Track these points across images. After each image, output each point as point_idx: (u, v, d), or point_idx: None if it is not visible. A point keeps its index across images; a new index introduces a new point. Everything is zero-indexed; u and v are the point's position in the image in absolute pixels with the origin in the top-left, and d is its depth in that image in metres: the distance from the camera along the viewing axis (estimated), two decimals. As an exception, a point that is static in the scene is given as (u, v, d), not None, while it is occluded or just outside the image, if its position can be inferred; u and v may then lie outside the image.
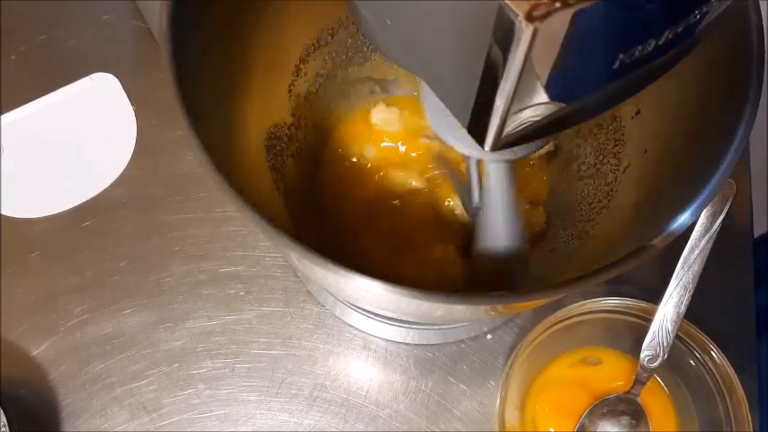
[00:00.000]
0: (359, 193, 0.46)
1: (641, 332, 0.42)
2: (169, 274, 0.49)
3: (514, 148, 0.32)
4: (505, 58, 0.20)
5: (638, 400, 0.43)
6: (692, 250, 0.40)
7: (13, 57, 0.55)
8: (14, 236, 0.50)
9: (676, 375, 0.44)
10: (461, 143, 0.33)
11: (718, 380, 0.42)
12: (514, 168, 0.36)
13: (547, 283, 0.33)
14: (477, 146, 0.31)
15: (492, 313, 0.39)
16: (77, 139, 0.53)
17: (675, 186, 0.32)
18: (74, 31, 0.56)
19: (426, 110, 0.34)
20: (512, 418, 0.42)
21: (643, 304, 0.43)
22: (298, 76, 0.44)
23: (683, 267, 0.40)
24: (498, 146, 0.24)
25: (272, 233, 0.27)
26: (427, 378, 0.47)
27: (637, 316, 0.43)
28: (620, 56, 0.22)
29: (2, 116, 0.53)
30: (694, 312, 0.41)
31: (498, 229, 0.37)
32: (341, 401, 0.46)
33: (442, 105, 0.32)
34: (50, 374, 0.46)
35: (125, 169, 0.52)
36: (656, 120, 0.36)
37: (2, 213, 0.50)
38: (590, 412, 0.43)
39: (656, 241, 0.28)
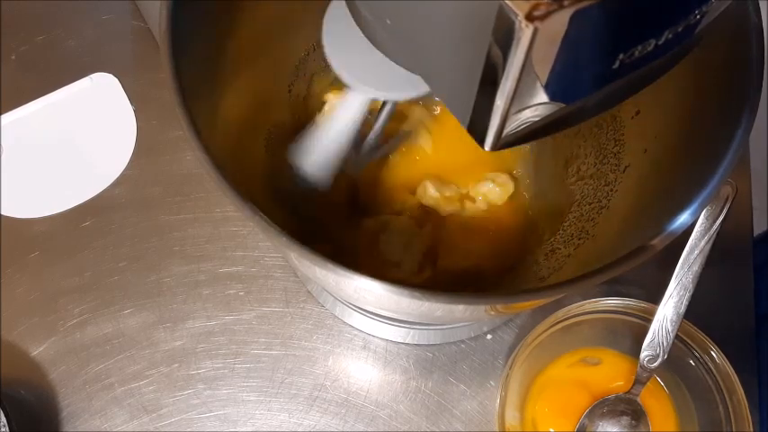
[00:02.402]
0: (359, 193, 0.46)
1: (641, 332, 0.42)
2: (169, 275, 0.49)
3: (387, 89, 0.31)
4: (505, 59, 0.20)
5: (638, 400, 0.43)
6: (692, 250, 0.40)
7: (13, 57, 0.55)
8: (14, 236, 0.50)
9: (676, 375, 0.44)
10: (338, 64, 0.32)
11: (718, 380, 0.42)
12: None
13: (546, 283, 0.33)
14: (350, 70, 0.31)
15: (492, 313, 0.39)
16: (77, 140, 0.53)
17: (675, 186, 0.32)
18: (74, 32, 0.56)
19: (324, 33, 0.32)
20: (512, 418, 0.42)
21: (643, 304, 0.43)
22: (297, 75, 0.44)
23: (682, 267, 0.40)
24: (498, 146, 0.24)
25: (272, 233, 0.27)
26: (427, 378, 0.47)
27: (637, 316, 0.43)
28: (620, 56, 0.22)
29: (2, 116, 0.53)
30: (694, 312, 0.41)
31: (317, 150, 0.36)
32: (341, 402, 0.46)
33: (342, 34, 0.31)
34: (50, 375, 0.46)
35: (125, 169, 0.52)
36: (656, 120, 0.36)
37: (2, 213, 0.50)
38: (590, 412, 0.43)
39: (655, 241, 0.28)
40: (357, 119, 0.34)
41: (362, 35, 0.30)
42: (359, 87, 0.32)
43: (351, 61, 0.31)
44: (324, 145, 0.36)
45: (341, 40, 0.32)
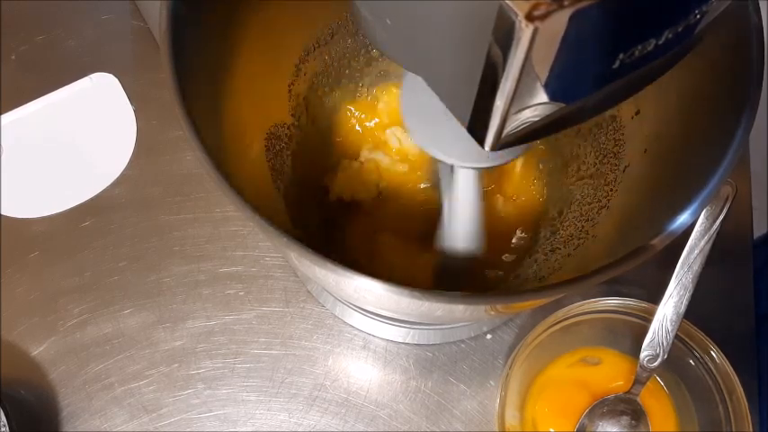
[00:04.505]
0: (359, 193, 0.46)
1: (641, 332, 0.42)
2: (169, 275, 0.49)
3: (488, 157, 0.32)
4: (505, 59, 0.20)
5: (638, 399, 0.43)
6: (692, 250, 0.40)
7: (13, 57, 0.55)
8: (14, 236, 0.50)
9: (676, 375, 0.44)
10: (435, 148, 0.33)
11: (718, 379, 0.42)
12: (483, 176, 0.36)
13: (546, 283, 0.33)
14: (449, 151, 0.32)
15: (492, 313, 0.39)
16: (77, 139, 0.53)
17: (675, 186, 0.32)
18: (73, 32, 0.56)
19: (403, 111, 0.33)
20: (512, 418, 0.42)
21: (643, 304, 0.43)
22: (297, 75, 0.43)
23: (682, 267, 0.40)
24: (498, 146, 0.24)
25: (272, 232, 0.27)
26: (427, 378, 0.47)
27: (637, 316, 0.43)
28: (621, 55, 0.22)
29: (1, 116, 0.53)
30: (694, 312, 0.41)
31: (457, 234, 0.38)
32: (341, 401, 0.46)
33: (419, 106, 0.32)
34: (50, 375, 0.46)
35: (124, 169, 0.52)
36: (656, 120, 0.36)
37: (2, 213, 0.50)
38: (590, 412, 0.43)
39: (655, 241, 0.28)
40: (479, 186, 0.36)
41: (441, 107, 0.28)
42: (468, 163, 0.33)
43: (444, 141, 0.32)
44: (467, 227, 0.37)
45: (425, 126, 0.33)
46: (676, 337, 0.41)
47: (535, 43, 0.19)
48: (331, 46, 0.44)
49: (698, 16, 0.23)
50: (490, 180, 0.46)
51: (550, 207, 0.44)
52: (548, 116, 0.23)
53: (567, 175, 0.43)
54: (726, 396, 0.41)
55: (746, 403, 0.40)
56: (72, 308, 0.48)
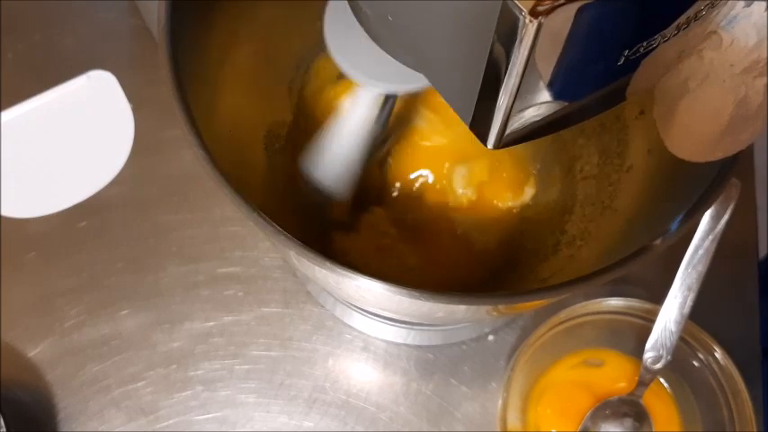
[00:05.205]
0: (360, 192, 0.45)
1: (645, 333, 0.41)
2: (166, 275, 0.49)
3: (399, 82, 0.30)
4: (509, 56, 0.20)
5: (642, 401, 0.42)
6: (696, 250, 0.39)
7: (10, 55, 0.55)
8: (10, 236, 0.49)
9: (680, 377, 0.44)
10: (349, 65, 0.31)
11: (722, 381, 0.41)
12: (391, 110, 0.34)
13: (549, 284, 0.32)
14: (366, 72, 0.30)
15: (494, 314, 0.39)
16: (74, 138, 0.52)
17: (679, 186, 0.32)
18: (71, 29, 0.56)
19: (329, 45, 0.31)
20: (514, 420, 0.42)
21: (647, 305, 0.42)
22: (297, 74, 0.43)
23: (687, 267, 0.40)
24: (501, 144, 0.24)
25: (271, 231, 0.27)
26: (428, 380, 0.46)
27: (640, 317, 0.43)
28: (626, 52, 0.21)
29: (-1, 115, 0.52)
30: (698, 313, 0.40)
31: (329, 157, 0.34)
32: (341, 403, 0.46)
33: (342, 27, 0.30)
34: (47, 376, 0.46)
35: (122, 169, 0.51)
36: (660, 119, 0.35)
37: (-2, 213, 0.50)
38: (593, 414, 0.42)
39: (658, 242, 0.28)
40: (370, 118, 0.33)
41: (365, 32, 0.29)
42: (370, 83, 0.31)
43: (358, 58, 0.31)
44: (336, 151, 0.34)
45: (344, 38, 0.31)
46: (680, 338, 0.41)
47: (539, 39, 0.19)
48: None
49: (704, 14, 0.22)
50: (491, 180, 0.46)
51: (553, 207, 0.44)
52: (551, 114, 0.23)
53: (570, 176, 0.43)
54: (730, 398, 0.41)
55: (751, 405, 0.40)
56: (69, 309, 0.48)
